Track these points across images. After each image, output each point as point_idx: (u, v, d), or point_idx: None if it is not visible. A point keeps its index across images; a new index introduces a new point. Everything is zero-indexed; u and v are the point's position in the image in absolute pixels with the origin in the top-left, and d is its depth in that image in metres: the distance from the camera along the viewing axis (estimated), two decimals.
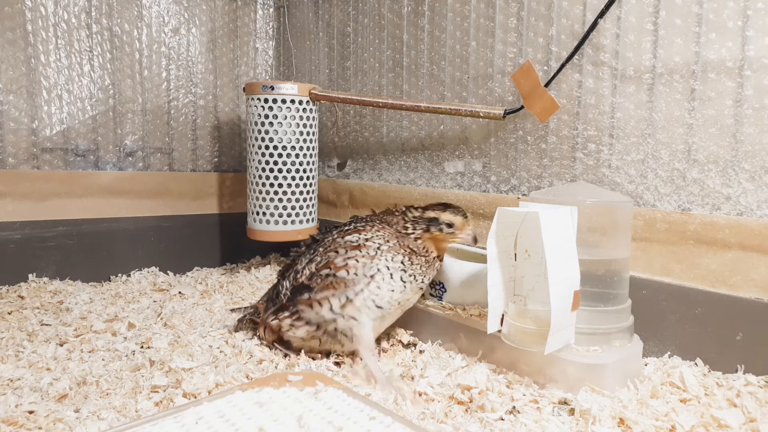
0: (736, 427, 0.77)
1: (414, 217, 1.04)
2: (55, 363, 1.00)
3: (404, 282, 0.99)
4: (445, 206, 1.04)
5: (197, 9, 1.85)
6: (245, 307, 1.22)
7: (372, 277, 0.97)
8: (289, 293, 1.04)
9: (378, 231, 1.02)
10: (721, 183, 1.00)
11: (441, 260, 1.07)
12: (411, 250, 1.01)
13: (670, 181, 1.06)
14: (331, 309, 0.97)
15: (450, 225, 1.01)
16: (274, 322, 1.04)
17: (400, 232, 1.03)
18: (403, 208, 1.07)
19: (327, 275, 0.99)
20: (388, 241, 1.00)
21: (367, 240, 1.00)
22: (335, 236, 1.05)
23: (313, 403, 0.77)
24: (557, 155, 1.23)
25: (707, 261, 1.00)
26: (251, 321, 1.17)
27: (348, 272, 0.97)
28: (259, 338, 1.10)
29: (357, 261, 0.98)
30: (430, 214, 1.02)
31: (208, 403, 0.76)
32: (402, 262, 0.99)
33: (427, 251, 1.03)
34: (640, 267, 1.08)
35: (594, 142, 1.16)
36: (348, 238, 1.02)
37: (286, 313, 1.03)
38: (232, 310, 1.25)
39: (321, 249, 1.04)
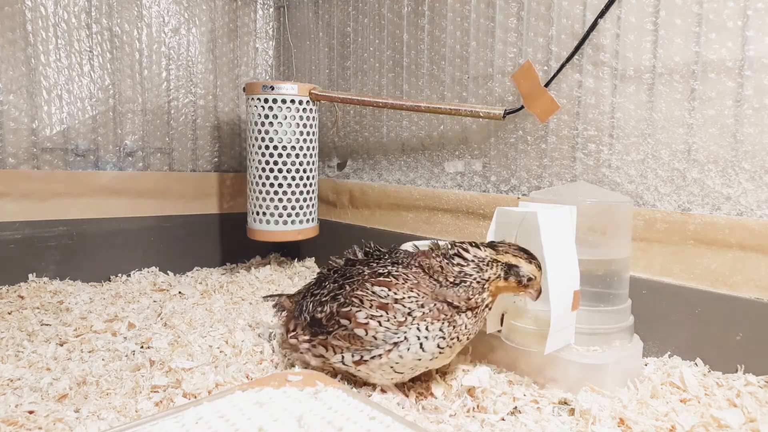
0: (736, 427, 0.77)
1: (481, 257, 0.84)
2: (55, 363, 1.00)
3: (442, 348, 0.84)
4: (526, 253, 0.85)
5: (197, 9, 1.85)
6: (279, 295, 1.17)
7: (396, 344, 0.83)
8: (309, 318, 0.96)
9: (411, 290, 0.84)
10: (721, 183, 1.00)
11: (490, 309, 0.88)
12: (454, 309, 0.83)
13: (670, 181, 1.06)
14: (342, 361, 0.89)
15: (531, 279, 0.83)
16: (293, 341, 0.99)
17: (442, 281, 0.84)
18: (449, 247, 0.88)
19: (344, 327, 0.87)
20: (422, 306, 0.83)
21: (396, 301, 0.84)
22: (367, 275, 0.89)
23: (313, 403, 0.77)
24: (557, 155, 1.23)
25: (707, 261, 1.00)
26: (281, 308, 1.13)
27: (366, 332, 0.84)
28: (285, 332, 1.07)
29: (380, 324, 0.84)
30: (511, 259, 0.83)
31: (208, 403, 0.76)
32: (441, 329, 0.83)
33: (482, 303, 0.85)
34: (640, 267, 1.08)
35: (594, 142, 1.16)
36: (378, 288, 0.86)
37: (306, 337, 0.95)
38: (265, 298, 1.23)
39: (348, 287, 0.90)
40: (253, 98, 1.53)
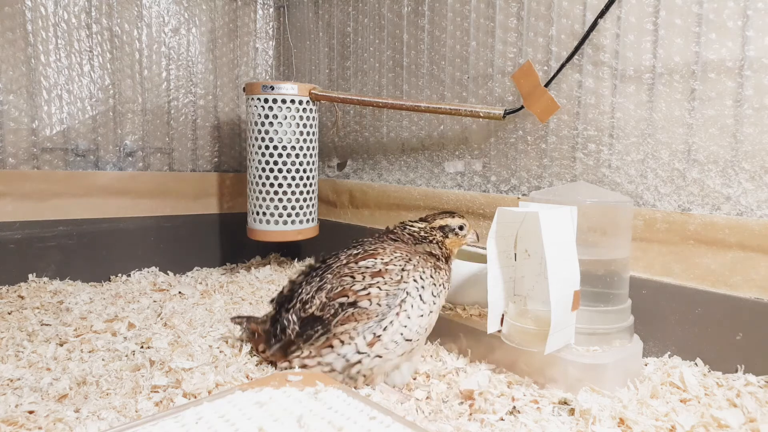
0: (736, 427, 0.77)
1: (421, 228, 1.01)
2: (55, 363, 1.00)
3: (435, 297, 0.92)
4: (446, 213, 1.03)
5: (197, 9, 1.85)
6: (247, 317, 1.13)
7: (400, 305, 0.87)
8: (297, 328, 0.93)
9: (395, 252, 0.93)
10: (721, 183, 1.00)
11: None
12: (434, 258, 0.96)
13: (670, 181, 1.06)
14: (357, 350, 0.87)
15: (461, 228, 1.02)
16: (284, 364, 0.94)
17: (417, 241, 0.99)
18: (400, 224, 1.03)
19: (343, 305, 0.88)
20: (410, 260, 0.92)
21: (387, 264, 0.90)
22: (344, 261, 0.94)
23: (313, 403, 0.77)
24: (557, 155, 1.23)
25: (707, 261, 1.00)
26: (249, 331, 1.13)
27: (371, 302, 0.87)
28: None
29: (380, 289, 0.87)
30: (439, 222, 1.01)
31: (208, 403, 0.76)
32: (431, 276, 0.92)
33: (449, 253, 1.01)
34: (640, 267, 1.08)
35: (594, 142, 1.16)
36: (363, 263, 0.91)
37: (297, 354, 0.92)
38: (233, 319, 1.21)
39: (330, 275, 0.92)
40: (253, 98, 1.53)
